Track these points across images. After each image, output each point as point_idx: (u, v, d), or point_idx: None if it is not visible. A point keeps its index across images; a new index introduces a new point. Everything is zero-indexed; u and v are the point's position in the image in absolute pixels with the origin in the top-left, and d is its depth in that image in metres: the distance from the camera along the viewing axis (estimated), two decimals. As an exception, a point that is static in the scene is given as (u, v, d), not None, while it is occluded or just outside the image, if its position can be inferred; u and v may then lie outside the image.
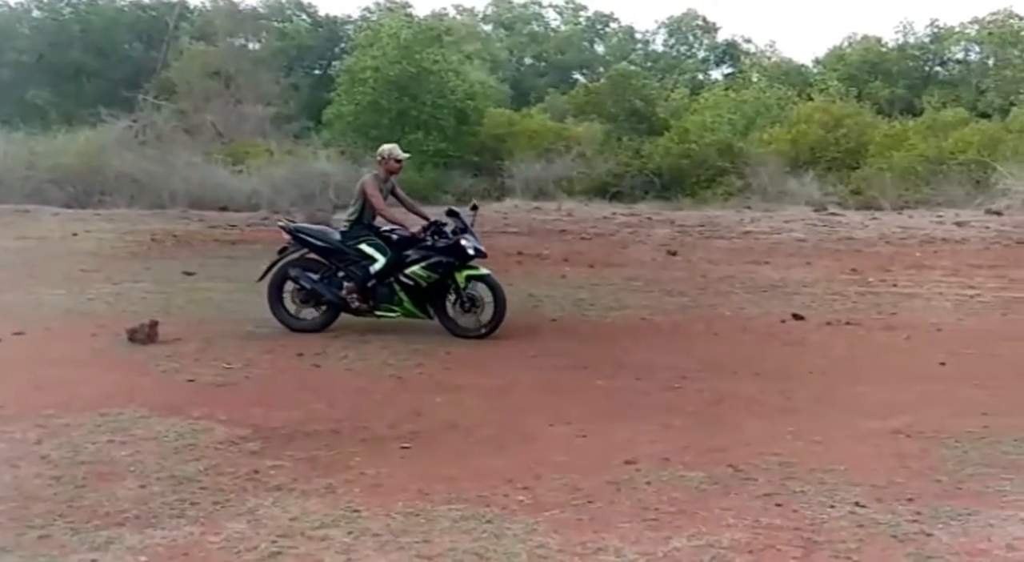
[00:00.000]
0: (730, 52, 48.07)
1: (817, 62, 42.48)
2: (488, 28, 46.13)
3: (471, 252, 8.89)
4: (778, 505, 4.63)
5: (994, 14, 36.18)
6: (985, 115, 30.75)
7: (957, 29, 38.02)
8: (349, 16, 40.65)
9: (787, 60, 43.93)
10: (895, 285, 11.85)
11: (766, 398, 6.88)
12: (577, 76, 44.73)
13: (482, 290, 9.00)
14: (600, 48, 47.99)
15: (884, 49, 38.69)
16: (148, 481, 4.95)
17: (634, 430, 5.99)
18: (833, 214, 21.55)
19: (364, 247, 9.06)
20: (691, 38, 49.49)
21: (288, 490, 4.86)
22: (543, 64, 45.75)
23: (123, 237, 16.28)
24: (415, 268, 8.91)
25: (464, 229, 8.99)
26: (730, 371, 7.73)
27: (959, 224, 18.85)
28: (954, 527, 4.32)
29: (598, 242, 16.60)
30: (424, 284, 8.94)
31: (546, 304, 10.69)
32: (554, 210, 22.33)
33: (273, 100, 31.28)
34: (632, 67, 34.74)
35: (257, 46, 37.16)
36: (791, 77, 39.53)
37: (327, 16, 40.91)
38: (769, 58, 45.81)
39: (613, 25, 48.65)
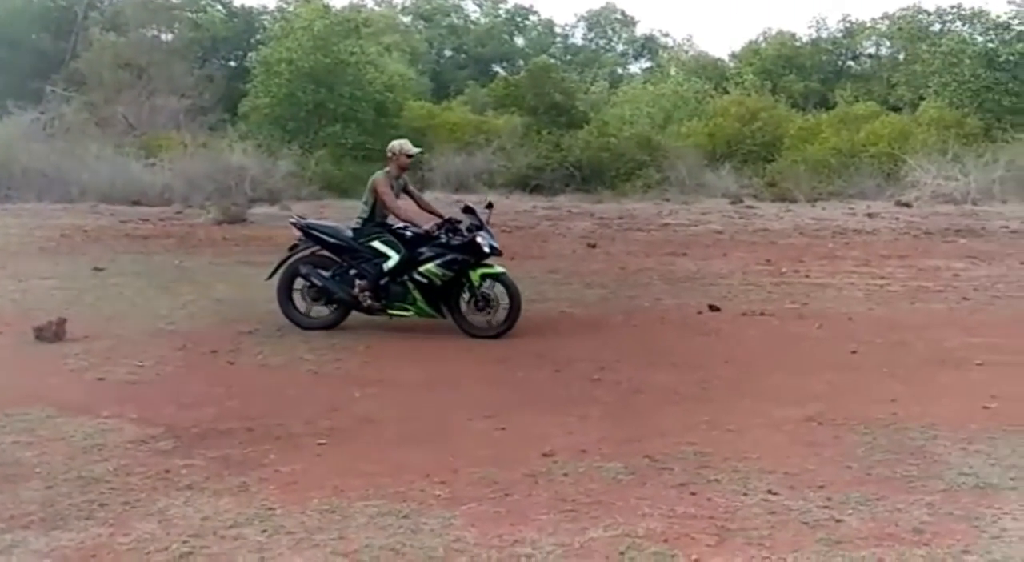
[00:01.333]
0: (648, 46, 48.61)
1: (733, 56, 43.15)
2: (407, 20, 45.93)
3: (487, 250, 8.70)
4: (693, 494, 4.67)
5: (904, 10, 37.19)
6: (895, 109, 31.54)
7: (868, 24, 38.89)
8: (265, 6, 40.38)
9: (704, 54, 44.52)
10: (808, 276, 12.08)
11: (682, 388, 6.93)
12: (497, 69, 44.81)
13: (497, 289, 8.83)
14: (520, 41, 48.14)
15: (798, 44, 39.46)
16: (55, 482, 4.81)
17: (553, 422, 5.99)
18: (749, 206, 21.95)
19: (377, 244, 8.84)
20: (610, 32, 49.93)
21: (200, 489, 4.76)
22: (463, 56, 45.74)
23: (31, 232, 15.87)
24: (429, 266, 8.70)
25: (480, 226, 8.77)
26: (648, 362, 7.78)
27: (870, 215, 19.33)
28: (863, 512, 4.40)
29: (518, 235, 16.63)
30: (438, 282, 8.74)
31: (465, 297, 10.63)
32: (474, 203, 22.29)
33: (187, 92, 30.77)
34: (552, 60, 34.92)
35: (170, 37, 36.52)
36: (708, 71, 40.13)
37: (242, 6, 40.43)
38: (686, 52, 46.44)
39: (533, 18, 48.87)
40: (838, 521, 4.31)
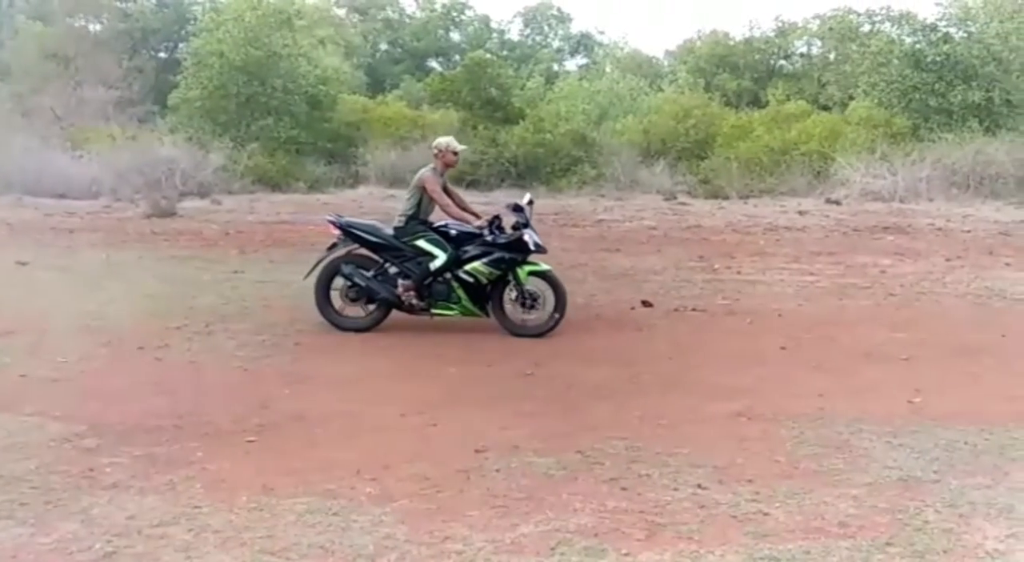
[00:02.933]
0: (584, 43, 48.80)
1: (668, 54, 43.49)
2: (341, 13, 45.48)
3: (533, 247, 8.60)
4: (624, 489, 4.69)
5: (835, 10, 37.74)
6: (826, 108, 32.04)
7: (800, 24, 39.43)
8: (196, -3, 39.52)
9: (638, 52, 44.83)
10: (739, 272, 12.21)
11: (615, 384, 6.96)
12: (433, 64, 44.64)
13: (542, 287, 8.71)
14: (456, 36, 47.97)
15: (731, 43, 39.84)
16: (-26, 482, 4.68)
17: (486, 418, 5.99)
18: (682, 203, 22.15)
19: (422, 243, 8.65)
20: (546, 28, 50.02)
21: (125, 488, 4.67)
22: (399, 51, 45.49)
23: (-48, 226, 15.43)
24: (476, 264, 8.55)
25: (526, 224, 8.63)
26: (581, 358, 7.80)
27: (800, 213, 19.61)
28: (790, 505, 4.46)
29: (453, 230, 16.54)
30: (485, 281, 8.61)
31: (399, 293, 10.56)
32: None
33: (116, 83, 30.20)
34: (488, 56, 34.75)
35: (99, 27, 35.80)
36: (643, 69, 40.44)
37: (173, -4, 39.64)
38: (622, 50, 46.71)
39: (469, 13, 48.72)
40: (766, 514, 4.36)
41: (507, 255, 8.57)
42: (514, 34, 49.62)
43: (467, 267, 8.57)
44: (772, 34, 39.64)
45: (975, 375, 7.20)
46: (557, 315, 8.58)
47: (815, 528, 4.21)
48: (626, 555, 3.92)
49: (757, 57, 39.77)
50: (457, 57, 42.28)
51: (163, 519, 4.28)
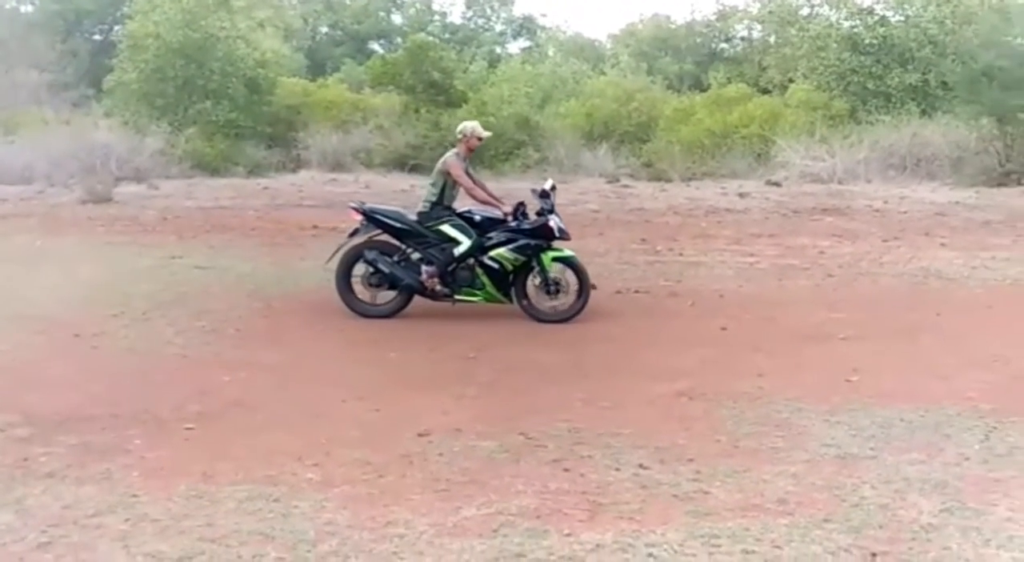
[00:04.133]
0: (527, 26, 48.60)
1: (611, 38, 43.55)
2: (282, -5, 44.85)
3: (557, 234, 8.55)
4: (566, 470, 4.71)
5: (775, -6, 37.95)
6: (766, 91, 32.27)
7: (741, 8, 39.68)
8: (132, -22, 38.71)
9: (580, 35, 44.84)
10: (681, 254, 12.28)
11: (558, 366, 6.99)
12: (374, 46, 44.23)
13: (566, 273, 8.67)
14: (397, 18, 47.50)
15: (673, 26, 40.00)
16: (-98, 475, 4.57)
17: (428, 402, 5.97)
18: (625, 186, 22.21)
19: (446, 229, 8.57)
20: (488, 11, 49.70)
21: (61, 477, 4.60)
22: (339, 33, 44.97)
23: None
24: (501, 250, 8.49)
25: (551, 210, 8.58)
26: (524, 341, 7.82)
27: (741, 195, 19.76)
28: (730, 484, 4.51)
29: (395, 215, 16.44)
30: (510, 267, 8.54)
31: (341, 277, 10.48)
32: (351, 182, 22.07)
33: (49, 67, 29.53)
34: (430, 38, 34.49)
35: (30, 8, 34.94)
36: (585, 52, 40.43)
37: (108, -22, 38.76)
38: (564, 33, 46.68)
39: (411, -5, 48.27)
40: (706, 493, 4.40)
41: (532, 241, 8.53)
42: (456, 17, 49.26)
43: (492, 253, 8.53)
44: (713, 18, 39.86)
45: (911, 354, 7.32)
46: (580, 301, 8.56)
47: (754, 506, 4.25)
48: (568, 535, 3.93)
49: (698, 41, 40.00)
50: (399, 40, 41.89)
51: (99, 508, 4.22)
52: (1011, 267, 11.16)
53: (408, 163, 25.45)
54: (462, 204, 8.85)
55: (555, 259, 8.64)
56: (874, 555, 3.76)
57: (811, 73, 28.74)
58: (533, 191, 8.83)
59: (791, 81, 30.89)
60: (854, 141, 23.69)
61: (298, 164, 25.57)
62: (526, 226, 8.58)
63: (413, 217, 8.71)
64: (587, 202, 18.26)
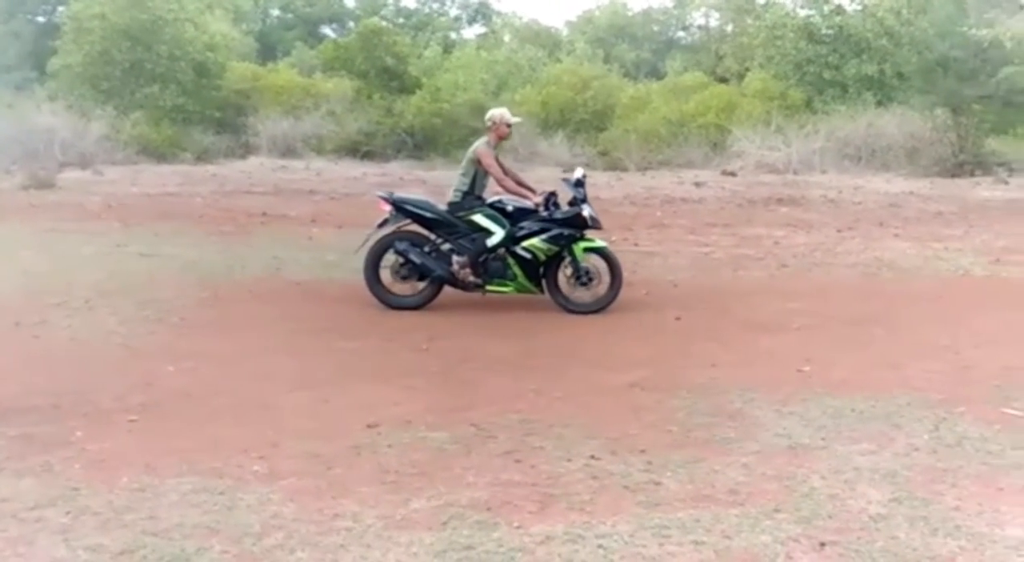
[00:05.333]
0: (482, 12, 48.43)
1: (567, 25, 43.52)
2: (231, -23, 44.27)
3: (591, 223, 8.45)
4: (517, 461, 4.66)
5: (733, -18, 38.14)
6: (723, 80, 32.45)
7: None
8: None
9: (536, 22, 44.75)
10: (636, 244, 12.28)
11: (511, 357, 6.93)
12: (326, 30, 43.84)
13: (598, 263, 8.56)
14: (350, 2, 47.07)
15: (630, 14, 40.06)
16: None
17: (378, 393, 5.89)
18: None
19: (479, 218, 8.44)
20: (443, -5, 49.44)
21: (-1, 470, 4.46)
22: (290, 16, 44.50)
23: None
24: (535, 241, 8.38)
25: (584, 199, 8.49)
26: (477, 331, 7.76)
27: (697, 184, 19.84)
28: (681, 475, 4.48)
29: (347, 202, 16.34)
30: (542, 257, 8.43)
31: (291, 266, 10.36)
32: (302, 169, 21.89)
33: (-10, 48, 28.88)
34: (383, 23, 34.27)
35: (-30, -11, 34.15)
36: (541, 39, 40.35)
37: (51, -43, 38.03)
38: (520, 19, 46.56)
39: (364, -21, 47.87)
40: (657, 484, 4.37)
41: (566, 231, 8.44)
42: (410, 1, 48.98)
43: (525, 243, 8.43)
44: (670, 5, 39.98)
45: (863, 344, 7.36)
46: (612, 292, 8.48)
47: (705, 496, 4.23)
48: (518, 528, 3.88)
49: (655, 28, 40.14)
50: (351, 24, 41.52)
51: (39, 501, 4.11)
52: (963, 258, 11.30)
53: (360, 150, 25.28)
54: (491, 194, 8.75)
55: (587, 249, 8.57)
56: (823, 545, 3.75)
57: (767, 62, 28.93)
58: (564, 180, 8.82)
59: (748, 70, 31.06)
60: (810, 131, 23.88)
61: (247, 150, 25.30)
62: (559, 216, 8.49)
63: (443, 207, 8.61)
64: (543, 192, 18.18)
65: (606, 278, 8.52)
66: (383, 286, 8.54)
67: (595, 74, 30.79)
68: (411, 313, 8.33)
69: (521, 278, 8.55)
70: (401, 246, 8.50)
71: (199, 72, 27.29)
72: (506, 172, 8.72)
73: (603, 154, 25.84)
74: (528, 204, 8.52)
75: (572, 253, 8.52)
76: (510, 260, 8.51)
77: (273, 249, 11.29)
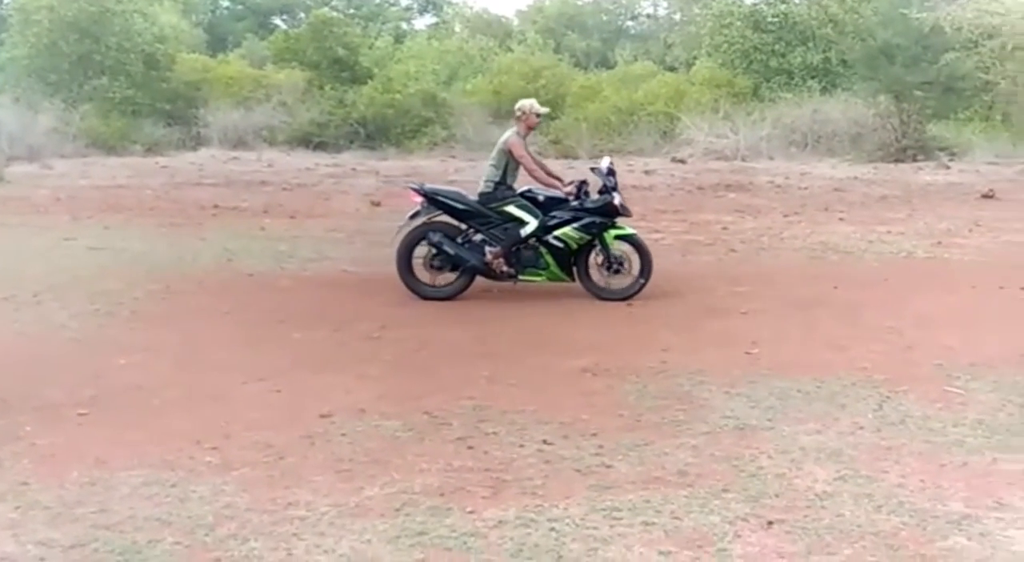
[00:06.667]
0: (433, 2, 48.23)
1: (518, 14, 43.52)
2: (179, -32, 43.71)
3: (621, 211, 8.45)
4: (470, 448, 4.70)
5: (680, -28, 38.33)
6: (672, 68, 32.68)
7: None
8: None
9: (487, 11, 44.69)
10: (588, 231, 12.32)
11: (464, 344, 6.97)
12: (277, 21, 43.46)
13: (628, 250, 8.55)
14: (301, -8, 46.72)
15: (580, 3, 40.13)
16: None
17: (331, 382, 5.89)
18: (532, 163, 22.21)
19: (512, 209, 8.43)
20: (394, -14, 49.20)
21: (-54, 466, 4.42)
22: (240, 7, 44.06)
23: None
24: (567, 229, 8.37)
25: (614, 187, 8.47)
26: (431, 319, 7.77)
27: (647, 172, 19.97)
28: (632, 458, 4.54)
29: (300, 193, 16.28)
30: (575, 246, 8.42)
31: (243, 258, 10.31)
32: (254, 160, 21.72)
33: (-67, 42, 28.30)
34: (334, 14, 34.04)
35: (-88, -21, 33.41)
36: (492, 28, 40.34)
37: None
38: (471, 9, 46.49)
39: (313, -31, 47.47)
40: (608, 467, 4.43)
41: (597, 219, 8.45)
42: (362, -8, 48.70)
43: (557, 232, 8.43)
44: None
45: (809, 326, 7.47)
46: (643, 279, 8.51)
47: (655, 478, 4.30)
48: (471, 513, 3.92)
49: (605, 18, 40.25)
50: (302, 15, 41.21)
51: (-12, 497, 4.07)
52: (906, 241, 11.49)
53: (313, 141, 25.13)
54: (521, 184, 8.77)
55: (618, 237, 8.59)
56: (770, 523, 3.82)
57: (715, 51, 29.16)
58: (593, 169, 8.82)
59: (696, 59, 31.29)
60: (757, 118, 24.13)
61: (198, 142, 25.07)
62: (590, 204, 8.51)
63: (474, 198, 8.61)
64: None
65: (636, 265, 8.58)
66: (416, 277, 8.56)
67: (546, 64, 30.86)
68: (362, 302, 8.34)
69: (553, 267, 8.58)
70: (435, 237, 8.50)
71: (148, 64, 26.98)
72: (536, 163, 8.78)
73: (555, 142, 25.90)
74: (559, 194, 8.58)
75: (603, 241, 8.56)
76: (542, 249, 8.55)
77: (224, 240, 11.22)
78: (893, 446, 4.72)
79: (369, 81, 28.78)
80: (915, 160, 22.13)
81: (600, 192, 8.62)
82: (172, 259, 10.10)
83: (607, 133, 25.65)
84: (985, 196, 15.68)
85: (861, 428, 4.99)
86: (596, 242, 8.55)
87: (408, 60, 31.50)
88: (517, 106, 8.88)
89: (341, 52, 29.80)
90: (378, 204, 15.08)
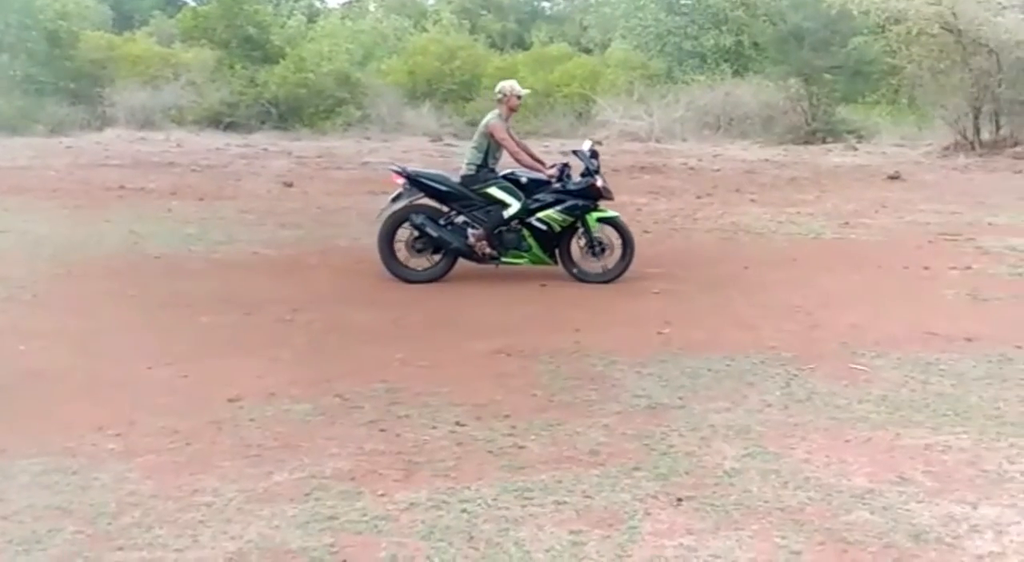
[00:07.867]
0: (346, -19, 47.62)
1: (434, -6, 43.26)
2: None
3: (604, 194, 8.37)
4: (382, 430, 4.65)
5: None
6: (587, 50, 32.83)
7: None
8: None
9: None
10: (503, 212, 12.31)
11: (378, 327, 6.90)
12: (185, -1, 42.46)
13: (610, 233, 8.46)
14: (210, -30, 45.73)
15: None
16: None
17: (241, 366, 5.79)
18: (449, 145, 22.21)
19: (494, 191, 8.37)
20: (307, -36, 48.43)
21: None
22: (147, -16, 42.92)
23: None
24: (550, 212, 8.36)
25: (597, 170, 8.41)
26: (343, 302, 7.69)
27: (564, 154, 19.97)
28: (544, 438, 4.55)
29: (209, 174, 15.96)
30: (557, 228, 8.39)
31: (149, 240, 10.06)
32: (162, 141, 21.25)
33: None
34: (244, -9, 33.38)
35: None
36: (407, 8, 40.05)
37: None
38: (386, -12, 46.04)
39: (223, -54, 46.45)
40: (521, 448, 4.43)
41: (580, 201, 8.43)
42: (272, -31, 47.84)
43: (540, 214, 8.41)
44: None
45: (720, 306, 7.58)
46: (625, 261, 8.49)
47: (567, 457, 4.31)
48: (382, 496, 3.89)
49: (522, -1, 40.18)
50: (212, -8, 40.36)
51: None
52: (814, 222, 11.72)
53: (223, 121, 24.68)
54: (503, 166, 8.72)
55: (600, 219, 8.59)
56: (680, 500, 3.86)
57: (629, 33, 29.37)
58: (575, 152, 8.82)
59: (611, 41, 31.48)
60: (671, 101, 24.39)
61: (104, 122, 24.43)
62: (572, 187, 8.51)
63: (457, 180, 8.55)
64: (410, 161, 18.08)
65: (618, 248, 8.59)
66: (398, 260, 8.49)
67: (461, 44, 30.75)
68: (273, 285, 8.21)
69: (536, 249, 8.59)
70: (418, 220, 8.45)
71: (51, 41, 26.21)
72: (519, 145, 8.75)
73: (471, 124, 25.79)
74: (541, 176, 8.56)
75: (585, 224, 8.58)
76: (525, 232, 8.54)
77: (131, 223, 10.95)
78: (800, 423, 4.81)
79: (281, 60, 28.35)
80: (824, 142, 22.62)
81: (582, 175, 8.64)
82: (76, 242, 9.83)
83: (523, 115, 25.58)
84: (891, 178, 16.10)
85: (769, 405, 5.08)
86: (579, 225, 8.60)
87: (321, 39, 31.07)
88: (497, 88, 8.93)
89: (252, 30, 29.29)
90: (291, 185, 14.88)
